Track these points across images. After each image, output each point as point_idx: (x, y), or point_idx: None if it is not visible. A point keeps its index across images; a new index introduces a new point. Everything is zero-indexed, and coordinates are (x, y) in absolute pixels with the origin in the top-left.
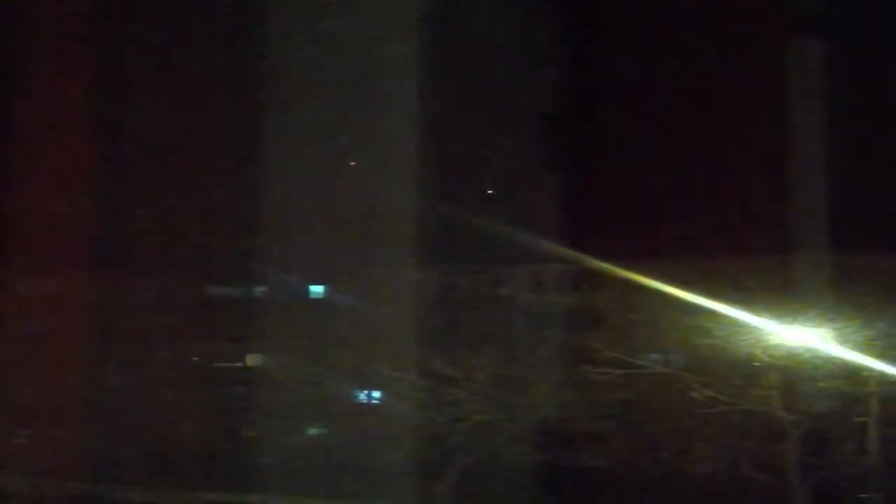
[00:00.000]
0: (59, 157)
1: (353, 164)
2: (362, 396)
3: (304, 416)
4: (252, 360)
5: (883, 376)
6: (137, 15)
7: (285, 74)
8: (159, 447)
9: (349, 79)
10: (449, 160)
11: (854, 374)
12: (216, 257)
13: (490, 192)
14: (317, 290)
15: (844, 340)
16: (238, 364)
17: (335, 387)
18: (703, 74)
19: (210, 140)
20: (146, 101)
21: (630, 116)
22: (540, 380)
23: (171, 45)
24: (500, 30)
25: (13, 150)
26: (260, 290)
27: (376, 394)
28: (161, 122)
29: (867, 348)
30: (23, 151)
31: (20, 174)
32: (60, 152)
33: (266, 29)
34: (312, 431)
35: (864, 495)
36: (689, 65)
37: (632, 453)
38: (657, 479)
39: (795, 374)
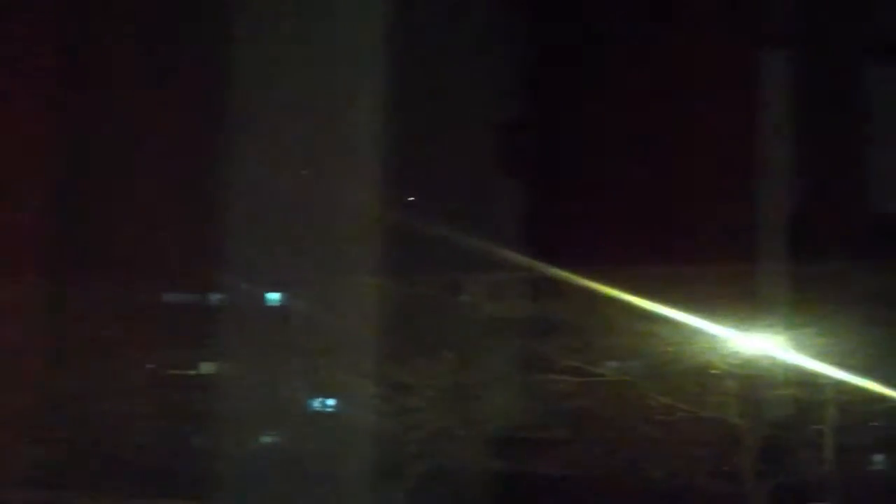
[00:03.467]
0: (16, 160)
1: (306, 172)
2: (318, 404)
3: (260, 423)
4: (207, 367)
5: (839, 384)
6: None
7: (246, 79)
8: (113, 455)
9: (310, 85)
10: (407, 167)
11: (811, 381)
12: (171, 263)
13: (450, 199)
14: (273, 297)
15: (801, 348)
16: (192, 371)
17: (291, 394)
18: (666, 82)
19: (169, 144)
20: (108, 105)
21: (592, 125)
22: (496, 388)
23: (132, 46)
24: (462, 37)
25: None
26: (216, 297)
27: (332, 401)
28: (121, 127)
29: (824, 356)
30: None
31: None
32: (17, 155)
33: (226, 32)
34: (267, 439)
35: (820, 503)
36: (655, 72)
37: (588, 461)
38: (613, 487)
39: (752, 381)
